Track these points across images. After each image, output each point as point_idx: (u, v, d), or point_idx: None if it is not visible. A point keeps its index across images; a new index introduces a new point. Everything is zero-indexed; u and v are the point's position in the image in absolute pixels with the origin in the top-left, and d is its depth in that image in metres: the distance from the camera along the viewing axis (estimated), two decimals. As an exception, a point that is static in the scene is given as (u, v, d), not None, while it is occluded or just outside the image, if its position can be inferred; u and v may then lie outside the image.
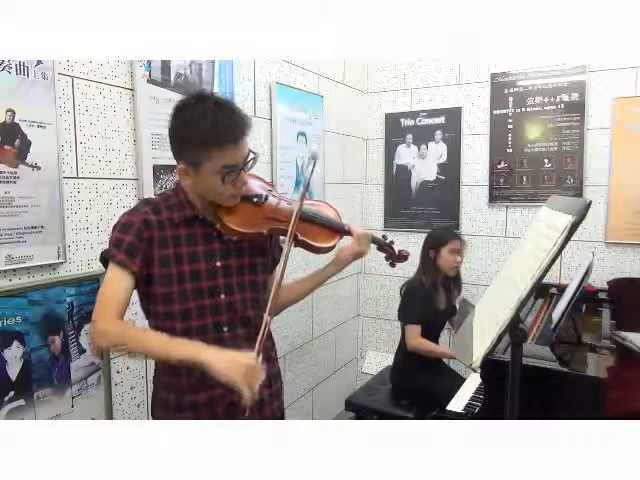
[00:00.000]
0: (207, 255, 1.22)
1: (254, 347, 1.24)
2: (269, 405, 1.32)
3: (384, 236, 1.54)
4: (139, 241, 1.16)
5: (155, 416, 1.32)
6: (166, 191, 1.30)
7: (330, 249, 1.39)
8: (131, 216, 1.19)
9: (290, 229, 1.21)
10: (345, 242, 1.43)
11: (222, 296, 1.23)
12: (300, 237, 1.32)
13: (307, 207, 1.36)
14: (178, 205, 1.22)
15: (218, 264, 1.23)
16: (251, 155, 1.19)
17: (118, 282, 1.15)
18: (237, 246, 1.26)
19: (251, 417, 1.19)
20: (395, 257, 1.54)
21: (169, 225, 1.20)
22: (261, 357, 1.12)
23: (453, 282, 2.65)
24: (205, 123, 1.11)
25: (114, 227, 1.19)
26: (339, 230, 1.40)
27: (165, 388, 1.27)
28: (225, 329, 1.24)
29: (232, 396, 1.23)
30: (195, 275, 1.21)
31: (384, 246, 1.52)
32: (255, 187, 1.30)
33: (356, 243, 1.40)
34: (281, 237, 1.34)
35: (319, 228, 1.37)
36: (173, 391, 1.24)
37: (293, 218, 1.22)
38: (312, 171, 1.28)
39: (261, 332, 1.13)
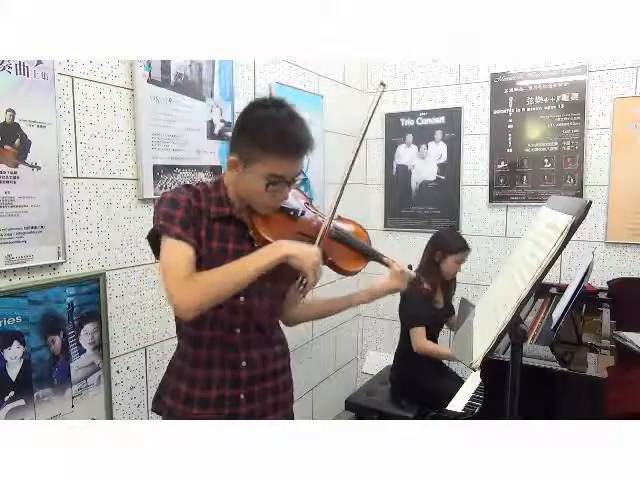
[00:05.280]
0: (235, 254, 1.20)
1: (264, 352, 1.27)
2: (273, 414, 1.29)
3: (409, 266, 1.46)
4: (188, 218, 1.14)
5: (160, 404, 1.29)
6: (207, 183, 1.27)
7: (356, 273, 1.37)
8: (176, 194, 1.17)
9: (323, 227, 1.23)
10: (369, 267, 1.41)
11: (241, 298, 1.21)
12: (329, 258, 1.30)
13: (340, 226, 1.35)
14: (217, 200, 1.21)
15: None
16: (301, 175, 1.19)
17: (180, 251, 1.11)
18: None
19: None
20: (419, 289, 1.48)
21: (205, 216, 1.18)
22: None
23: (449, 283, 2.65)
24: (274, 127, 1.11)
25: (159, 203, 1.16)
26: (370, 256, 1.39)
27: (179, 377, 1.25)
28: (238, 331, 1.23)
29: (238, 399, 1.23)
30: None
31: (416, 284, 1.46)
32: (294, 199, 1.29)
33: (393, 279, 1.40)
34: None
35: (349, 250, 1.35)
36: (186, 382, 1.23)
37: (318, 238, 1.23)
38: (378, 98, 1.27)
39: (323, 227, 1.19)
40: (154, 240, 1.16)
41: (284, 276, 1.27)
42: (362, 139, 1.25)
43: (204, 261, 1.17)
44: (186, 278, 1.08)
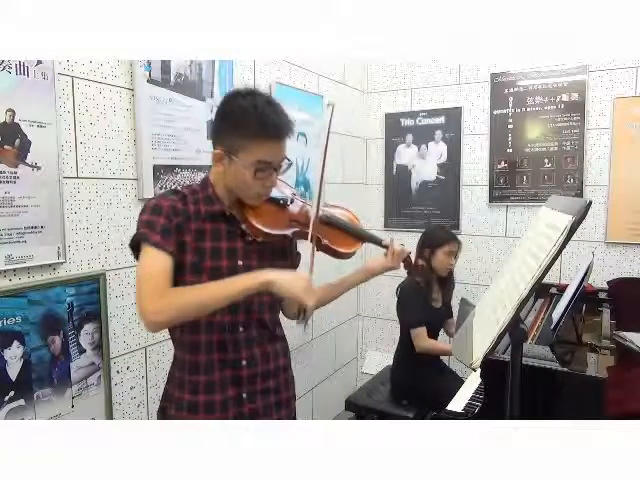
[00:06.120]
0: (229, 253, 1.21)
1: (266, 350, 1.26)
2: (276, 413, 1.28)
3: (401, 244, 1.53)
4: (170, 224, 1.14)
5: (165, 416, 1.27)
6: (193, 185, 1.28)
7: (350, 255, 1.39)
8: (160, 201, 1.17)
9: (312, 220, 1.22)
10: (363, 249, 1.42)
11: None
12: (324, 241, 1.32)
13: (331, 212, 1.38)
14: (206, 199, 1.21)
15: (240, 263, 1.22)
16: (287, 161, 1.20)
17: (158, 262, 1.11)
18: (259, 247, 1.26)
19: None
20: (412, 266, 1.56)
21: (194, 217, 1.19)
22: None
23: (446, 281, 2.65)
24: (254, 113, 1.13)
25: (142, 211, 1.16)
26: (363, 237, 1.41)
27: (180, 386, 1.23)
28: (241, 329, 1.23)
29: (241, 399, 1.22)
30: (216, 272, 1.19)
31: (410, 262, 1.53)
32: (280, 189, 1.31)
33: (388, 258, 1.43)
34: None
35: (342, 233, 1.37)
36: (188, 390, 1.22)
37: (312, 222, 1.22)
38: (330, 121, 1.26)
39: (311, 251, 1.16)
40: (136, 248, 1.16)
41: (280, 269, 1.27)
42: (325, 155, 1.25)
43: (198, 261, 1.18)
44: (160, 293, 1.08)
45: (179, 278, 1.16)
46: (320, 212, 1.28)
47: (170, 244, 1.12)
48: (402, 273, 2.61)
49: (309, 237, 1.21)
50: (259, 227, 1.21)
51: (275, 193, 1.27)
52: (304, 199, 1.36)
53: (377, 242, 1.43)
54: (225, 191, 1.22)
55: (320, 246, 1.32)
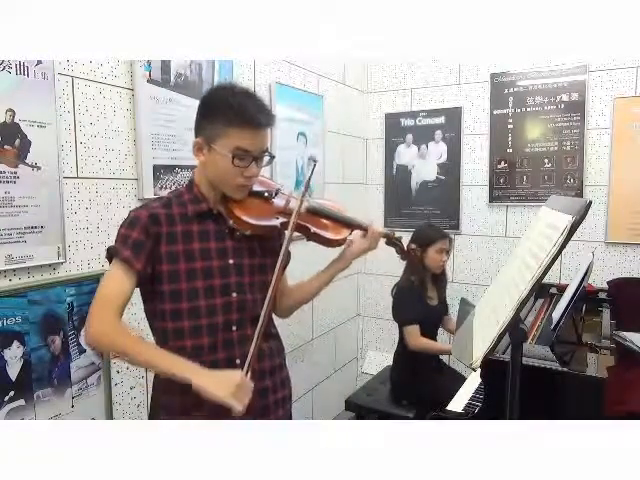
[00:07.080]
0: (219, 252, 1.22)
1: (263, 348, 1.25)
2: (273, 412, 1.28)
3: (392, 232, 1.58)
4: (145, 237, 1.15)
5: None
6: (178, 188, 1.30)
7: (342, 242, 1.40)
8: (139, 212, 1.18)
9: (292, 219, 1.22)
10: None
11: (234, 295, 1.22)
12: (312, 229, 1.33)
13: (317, 202, 1.40)
14: (192, 199, 1.22)
15: (231, 262, 1.23)
16: (267, 154, 1.21)
17: (120, 281, 1.14)
18: (249, 245, 1.26)
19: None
20: (404, 252, 1.59)
21: (180, 220, 1.19)
22: (249, 374, 1.13)
23: (440, 278, 2.65)
24: (233, 100, 1.14)
25: (122, 223, 1.19)
26: (350, 224, 1.43)
27: (168, 391, 1.22)
28: (234, 328, 1.22)
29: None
30: (208, 272, 1.20)
31: (392, 240, 1.56)
32: (265, 184, 1.32)
33: (368, 239, 1.43)
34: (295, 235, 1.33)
35: (330, 221, 1.40)
36: (178, 392, 1.19)
37: (295, 209, 1.23)
38: (312, 173, 1.29)
39: (252, 348, 1.14)
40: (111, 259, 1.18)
41: (270, 266, 1.28)
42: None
43: (185, 264, 1.18)
44: (113, 318, 1.12)
45: (157, 286, 1.18)
46: (306, 203, 1.29)
47: (139, 261, 1.14)
48: (400, 273, 2.63)
49: (290, 225, 1.21)
50: (245, 219, 1.21)
51: (259, 186, 1.28)
52: (288, 193, 1.37)
53: (359, 227, 1.44)
54: (210, 189, 1.23)
55: (309, 235, 1.34)
